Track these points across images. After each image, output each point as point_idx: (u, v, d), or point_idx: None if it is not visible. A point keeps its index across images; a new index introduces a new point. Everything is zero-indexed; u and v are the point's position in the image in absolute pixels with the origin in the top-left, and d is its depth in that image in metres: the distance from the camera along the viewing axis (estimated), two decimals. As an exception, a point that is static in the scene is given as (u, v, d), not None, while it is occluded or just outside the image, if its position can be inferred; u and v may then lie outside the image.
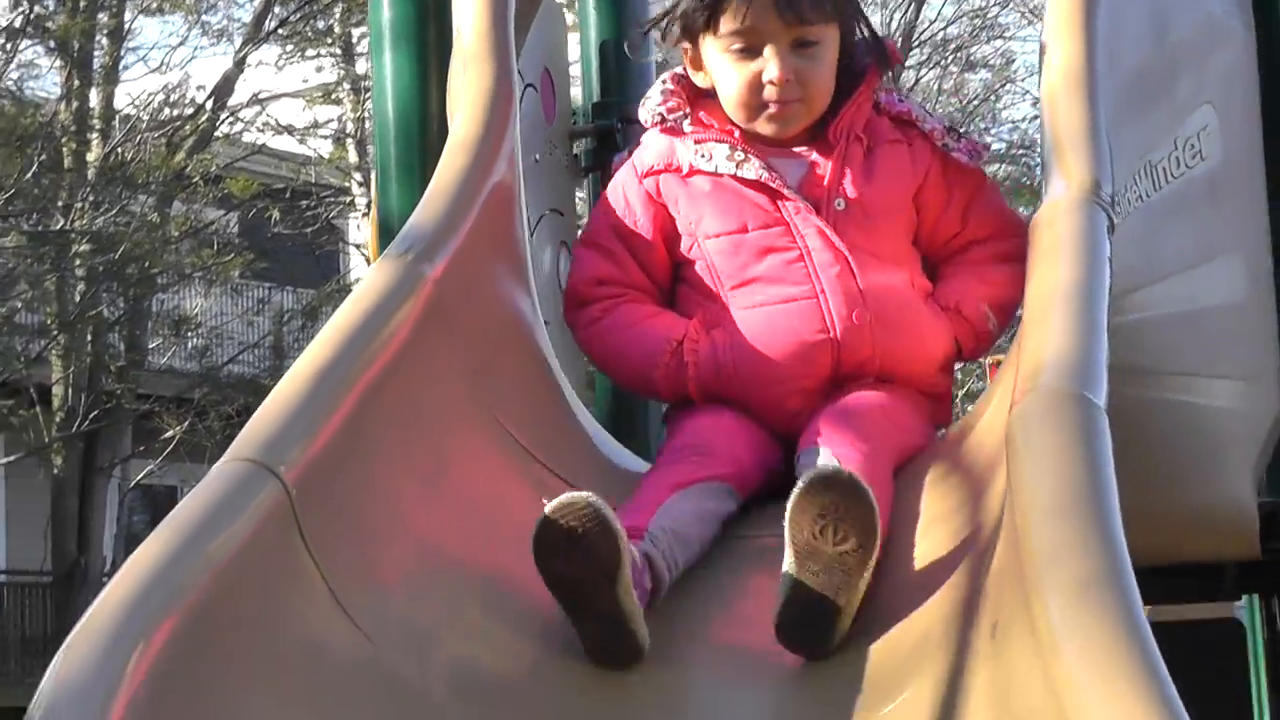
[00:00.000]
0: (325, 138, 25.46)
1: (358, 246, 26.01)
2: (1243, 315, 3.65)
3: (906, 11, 25.77)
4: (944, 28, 26.10)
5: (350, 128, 24.07)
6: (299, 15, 23.74)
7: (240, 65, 24.04)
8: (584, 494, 2.64)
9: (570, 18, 5.87)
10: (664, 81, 3.40)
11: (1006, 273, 3.19)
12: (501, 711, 2.79)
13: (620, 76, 5.14)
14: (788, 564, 2.62)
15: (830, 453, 2.97)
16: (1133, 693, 2.01)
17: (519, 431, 3.29)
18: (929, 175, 3.34)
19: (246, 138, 25.79)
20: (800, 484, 2.59)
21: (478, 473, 3.19)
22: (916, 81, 26.56)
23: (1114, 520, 2.31)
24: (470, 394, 3.23)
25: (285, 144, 26.09)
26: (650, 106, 3.39)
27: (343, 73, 24.11)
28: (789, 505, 2.61)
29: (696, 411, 3.34)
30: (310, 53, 24.73)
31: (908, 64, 25.83)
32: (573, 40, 5.42)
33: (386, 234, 4.13)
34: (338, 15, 23.00)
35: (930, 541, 2.94)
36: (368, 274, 3.11)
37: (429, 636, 2.82)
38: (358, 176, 22.95)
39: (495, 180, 3.39)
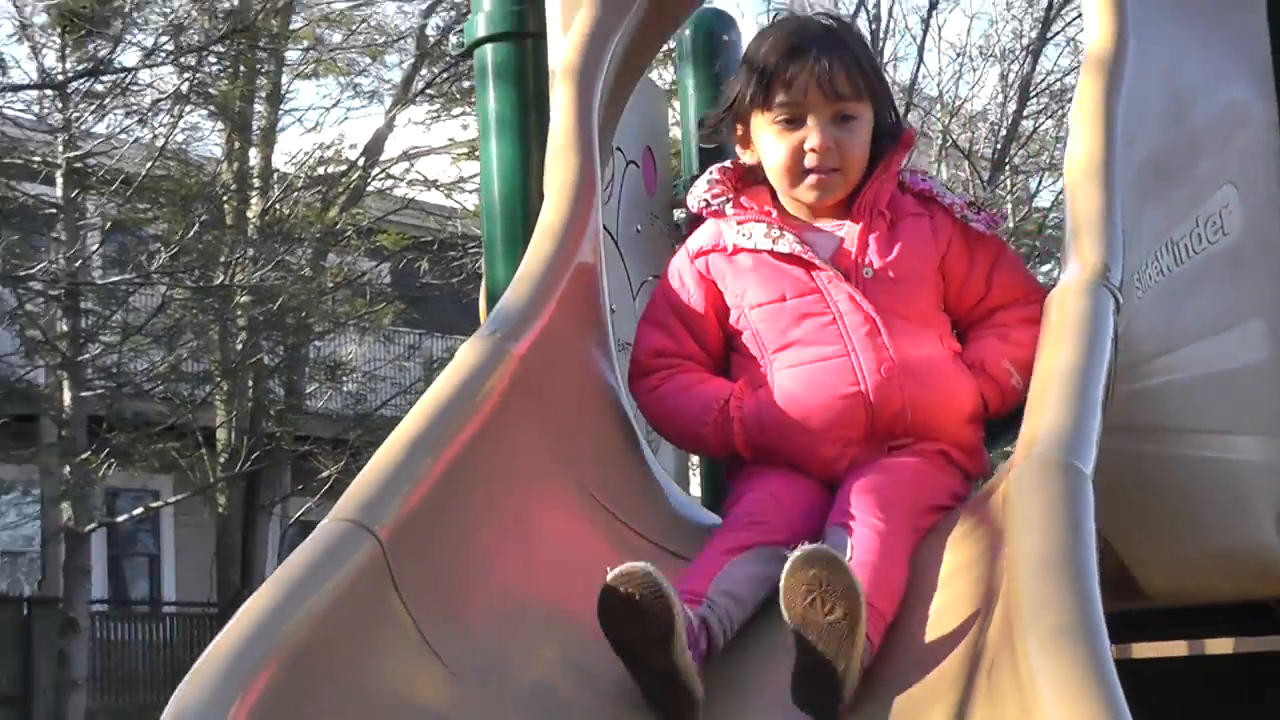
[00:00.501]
0: (470, 191, 25.43)
1: None
2: (1265, 374, 3.66)
3: (1024, 63, 25.53)
4: (1060, 77, 25.83)
5: None
6: (445, 77, 23.82)
7: (390, 124, 24.06)
8: (642, 564, 2.74)
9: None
10: (710, 173, 3.53)
11: (1029, 334, 3.24)
12: None
13: (718, 151, 5.05)
14: (791, 637, 2.73)
15: (846, 528, 3.08)
16: None
17: (598, 489, 3.36)
18: (951, 244, 3.43)
19: (396, 192, 25.79)
20: (787, 564, 2.70)
21: (559, 527, 3.27)
22: (1034, 130, 26.32)
23: (1091, 576, 2.41)
24: (554, 456, 3.32)
25: (433, 198, 26.04)
26: (697, 194, 3.52)
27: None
28: (780, 583, 2.71)
29: (751, 478, 3.41)
30: (456, 111, 24.73)
31: (1025, 113, 25.70)
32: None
33: (493, 303, 4.10)
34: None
35: (950, 591, 2.99)
36: (459, 352, 3.23)
37: (507, 671, 2.89)
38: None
39: (578, 262, 3.50)
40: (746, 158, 3.52)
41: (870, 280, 3.35)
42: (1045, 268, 20.97)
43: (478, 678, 2.83)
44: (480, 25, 4.43)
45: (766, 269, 3.40)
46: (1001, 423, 3.42)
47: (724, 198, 3.48)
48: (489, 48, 4.42)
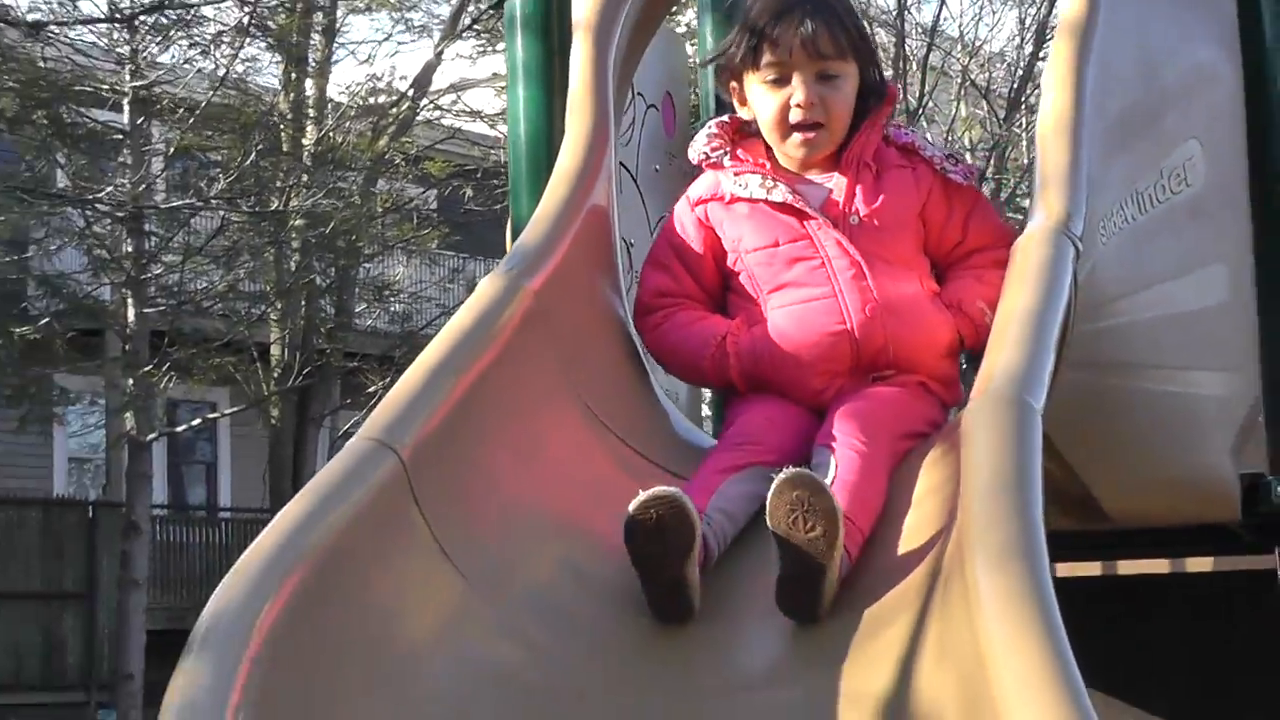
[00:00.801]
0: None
1: None
2: (1224, 315, 3.71)
3: (1040, 7, 25.30)
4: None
5: None
6: (490, 13, 23.74)
7: (439, 57, 23.88)
8: (670, 489, 2.83)
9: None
10: (709, 126, 3.60)
11: (1001, 275, 3.23)
12: (571, 637, 2.95)
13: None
14: (776, 550, 2.82)
15: (831, 450, 3.14)
16: (1031, 635, 2.18)
17: (602, 412, 3.43)
18: (931, 193, 3.48)
19: (444, 123, 25.73)
20: (773, 485, 2.78)
21: (565, 447, 3.34)
22: None
23: (1035, 502, 2.46)
24: (563, 382, 3.38)
25: (478, 128, 25.94)
26: (697, 147, 3.59)
27: None
28: (766, 502, 2.80)
29: (746, 403, 3.48)
30: (500, 46, 24.68)
31: (1041, 55, 25.44)
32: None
33: (516, 236, 4.19)
34: None
35: (921, 511, 3.04)
36: (479, 287, 3.29)
37: (513, 575, 2.98)
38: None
39: (591, 204, 3.56)
40: (744, 113, 3.56)
41: (856, 227, 3.41)
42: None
43: (487, 581, 2.90)
44: None
45: (761, 216, 3.46)
46: (979, 355, 3.40)
47: (722, 150, 3.53)
48: (516, 5, 4.44)
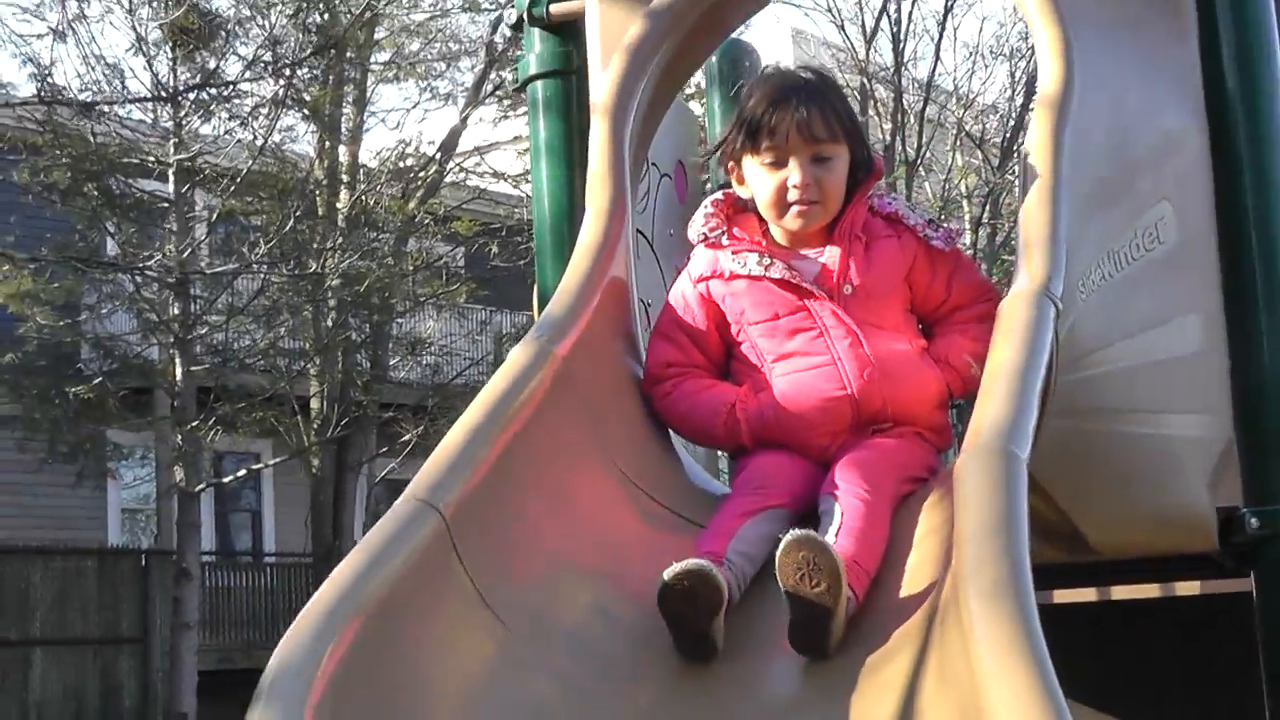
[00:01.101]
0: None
1: None
2: (1199, 362, 3.70)
3: (1030, 60, 25.27)
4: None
5: None
6: (512, 80, 23.85)
7: (463, 123, 24.04)
8: (701, 562, 2.91)
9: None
10: (705, 206, 3.65)
11: (984, 329, 3.30)
12: (604, 675, 2.98)
13: None
14: (786, 600, 2.88)
15: (837, 497, 3.20)
16: (1020, 663, 2.21)
17: (626, 466, 3.47)
18: (916, 259, 3.55)
19: (469, 183, 25.87)
20: (781, 545, 2.84)
21: (594, 499, 3.37)
22: None
23: (1021, 544, 2.48)
24: (591, 440, 3.43)
25: (501, 188, 25.98)
26: (696, 228, 3.63)
27: None
28: (776, 558, 2.86)
29: (756, 454, 3.51)
30: (520, 110, 24.77)
31: (1031, 106, 25.43)
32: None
33: (543, 302, 4.26)
34: None
35: (921, 551, 3.08)
36: (511, 354, 3.31)
37: (549, 621, 3.01)
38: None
39: (611, 276, 3.62)
40: (742, 192, 3.62)
41: (850, 297, 3.48)
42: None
43: (525, 627, 2.94)
44: (532, 64, 4.50)
45: (760, 292, 3.52)
46: (968, 402, 3.40)
47: (720, 230, 3.59)
48: (539, 84, 4.48)
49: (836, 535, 3.08)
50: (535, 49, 4.52)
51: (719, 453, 4.49)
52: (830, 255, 3.52)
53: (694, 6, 4.00)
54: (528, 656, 2.93)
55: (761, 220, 3.62)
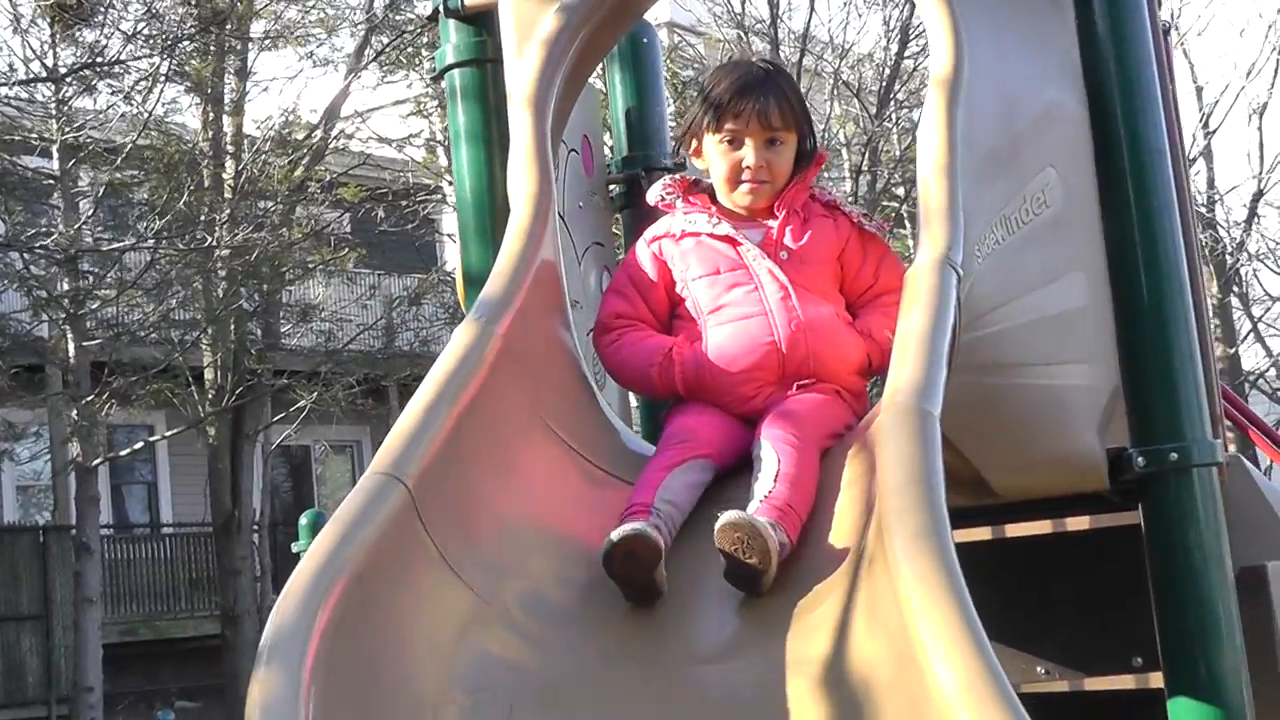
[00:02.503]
0: (418, 146, 25.15)
1: (450, 236, 25.69)
2: (1086, 316, 3.81)
3: (903, 9, 25.35)
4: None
5: (439, 136, 23.65)
6: (394, 49, 23.78)
7: (345, 91, 23.89)
8: (638, 526, 3.09)
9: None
10: (665, 179, 3.92)
11: None
12: (559, 626, 3.12)
13: (642, 136, 5.38)
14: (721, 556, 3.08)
15: (772, 445, 3.37)
16: (943, 600, 2.36)
17: (564, 433, 3.60)
18: (849, 241, 3.77)
19: (353, 148, 25.60)
20: (718, 523, 3.04)
21: (538, 464, 3.50)
22: (915, 69, 26.03)
23: (939, 489, 2.64)
24: (530, 410, 3.53)
25: (386, 153, 25.80)
26: (655, 192, 3.89)
27: (429, 90, 23.74)
28: (715, 531, 3.04)
29: (683, 410, 3.68)
30: (400, 74, 24.72)
31: (906, 54, 25.56)
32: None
33: (468, 281, 4.42)
34: (425, 42, 22.85)
35: (845, 499, 3.20)
36: (455, 334, 3.38)
37: (507, 580, 3.13)
38: (448, 177, 22.33)
39: (542, 258, 3.69)
40: (698, 163, 3.86)
41: (785, 260, 3.68)
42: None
43: (486, 587, 3.06)
44: (449, 54, 4.53)
45: (705, 249, 3.74)
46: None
47: (675, 194, 3.83)
48: (456, 73, 4.51)
49: (773, 482, 3.25)
50: (451, 39, 4.56)
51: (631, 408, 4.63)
52: (772, 224, 3.74)
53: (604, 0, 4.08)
54: (490, 613, 3.04)
55: (713, 197, 3.84)
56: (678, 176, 3.94)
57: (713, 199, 3.86)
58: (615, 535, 3.08)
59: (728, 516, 3.04)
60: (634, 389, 3.99)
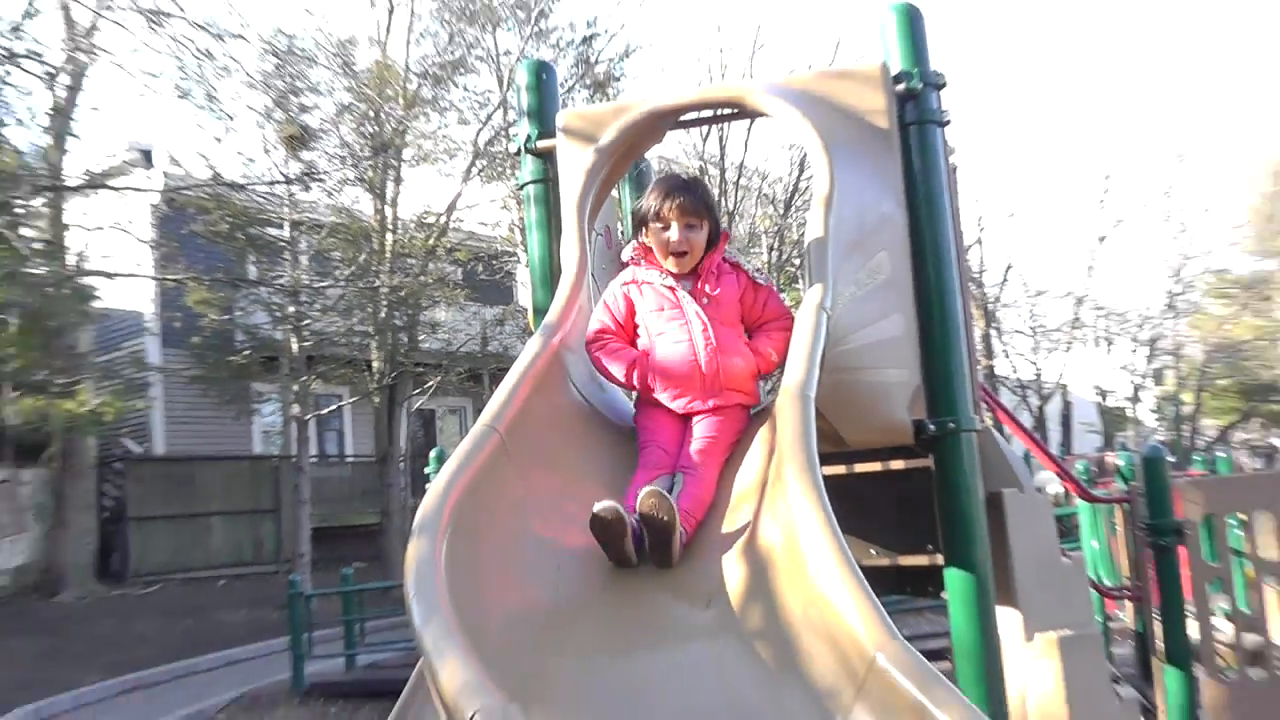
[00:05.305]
0: (504, 227, 25.24)
1: (522, 283, 25.83)
2: (902, 340, 3.68)
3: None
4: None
5: (517, 222, 23.32)
6: (488, 168, 23.76)
7: (459, 193, 23.86)
8: (610, 503, 2.83)
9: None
10: (633, 243, 3.65)
11: (783, 336, 3.36)
12: (587, 559, 2.96)
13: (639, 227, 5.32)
14: (644, 528, 2.88)
15: (683, 473, 3.16)
16: (815, 505, 2.38)
17: (589, 397, 3.48)
18: (745, 289, 3.52)
19: (464, 228, 25.47)
20: (640, 495, 2.88)
21: (576, 421, 3.37)
22: (807, 188, 26.07)
23: (813, 440, 2.61)
24: (571, 387, 3.41)
25: (484, 231, 25.59)
26: (627, 253, 3.66)
27: (512, 194, 23.19)
28: (640, 499, 2.87)
29: (644, 415, 3.40)
30: (493, 184, 24.50)
31: (803, 177, 25.61)
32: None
33: (536, 311, 4.20)
34: (509, 165, 22.72)
35: (758, 448, 3.12)
36: (528, 344, 3.27)
37: (560, 494, 3.04)
38: (522, 247, 21.96)
39: (580, 300, 3.57)
40: (648, 241, 3.58)
41: (706, 305, 3.45)
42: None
43: (545, 505, 2.99)
44: (526, 175, 4.38)
45: (655, 293, 3.50)
46: (771, 376, 3.49)
47: (639, 256, 3.59)
48: (530, 187, 4.35)
49: (679, 497, 3.05)
50: (528, 166, 4.39)
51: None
52: (697, 281, 3.52)
53: (620, 146, 3.96)
54: (546, 522, 2.97)
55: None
56: (638, 242, 3.65)
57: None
58: (596, 508, 2.83)
59: (647, 489, 2.88)
60: (611, 380, 3.55)
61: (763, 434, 3.16)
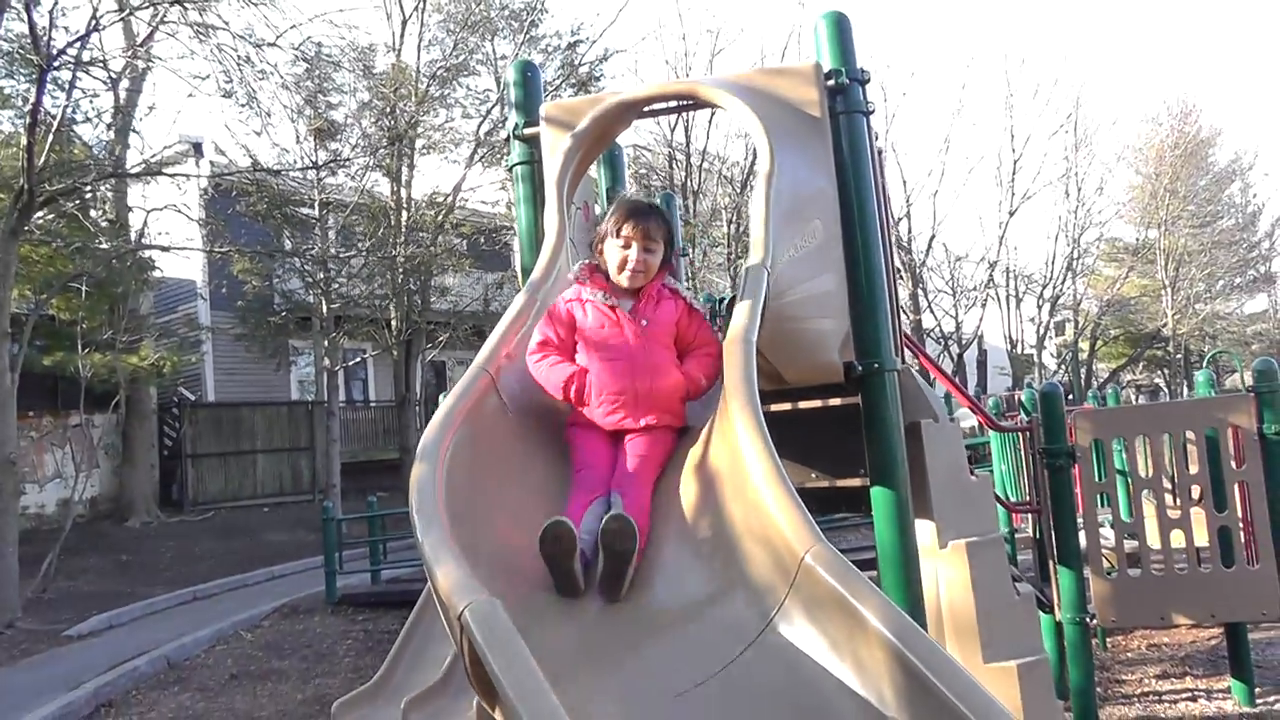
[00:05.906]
0: (503, 204, 25.20)
1: (514, 250, 25.94)
2: (834, 294, 3.63)
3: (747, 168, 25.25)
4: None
5: (512, 198, 23.67)
6: (488, 154, 23.59)
7: (464, 175, 23.65)
8: (562, 519, 2.49)
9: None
10: (580, 263, 3.33)
11: (711, 361, 3.13)
12: (559, 483, 2.87)
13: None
14: (603, 556, 2.54)
15: (622, 496, 2.82)
16: (755, 433, 2.31)
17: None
18: (682, 314, 3.21)
19: (469, 206, 25.24)
20: (603, 522, 2.54)
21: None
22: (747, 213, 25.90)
23: (753, 379, 2.53)
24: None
25: (485, 209, 25.59)
26: (574, 272, 3.32)
27: (509, 175, 23.46)
28: (602, 525, 2.54)
29: (579, 434, 3.05)
30: (493, 167, 24.36)
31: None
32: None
33: (523, 272, 4.13)
34: (505, 151, 22.50)
35: (707, 428, 2.84)
36: (516, 299, 3.22)
37: (541, 418, 2.93)
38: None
39: (559, 264, 3.45)
40: (601, 260, 3.29)
41: (645, 326, 3.15)
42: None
43: (532, 431, 2.90)
44: (514, 157, 4.30)
45: (597, 311, 3.18)
46: (699, 401, 3.18)
47: (585, 275, 3.27)
48: (518, 168, 4.29)
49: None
50: (516, 150, 4.30)
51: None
52: (640, 302, 3.22)
53: (593, 132, 3.87)
54: (531, 447, 2.92)
55: (607, 279, 3.26)
56: (586, 262, 3.34)
57: (606, 279, 3.27)
58: (546, 522, 2.48)
59: (610, 515, 2.57)
60: (551, 395, 3.14)
61: (710, 431, 2.85)
